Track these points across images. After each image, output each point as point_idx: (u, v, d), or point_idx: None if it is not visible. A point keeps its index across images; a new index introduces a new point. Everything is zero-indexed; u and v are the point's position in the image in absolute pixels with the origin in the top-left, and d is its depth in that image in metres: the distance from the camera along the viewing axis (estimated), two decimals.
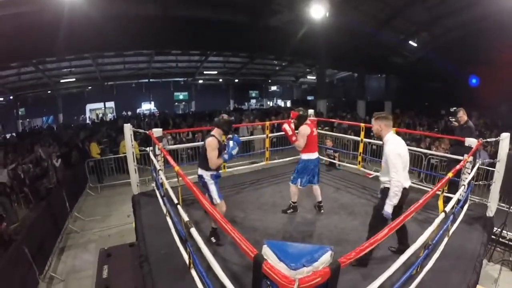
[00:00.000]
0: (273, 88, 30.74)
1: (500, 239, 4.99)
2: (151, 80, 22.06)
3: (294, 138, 4.32)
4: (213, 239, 3.67)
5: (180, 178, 3.01)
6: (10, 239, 5.72)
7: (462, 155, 4.32)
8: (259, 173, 6.59)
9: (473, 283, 2.99)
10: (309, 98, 27.39)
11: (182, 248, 3.15)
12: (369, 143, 7.77)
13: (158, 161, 4.79)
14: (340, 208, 4.79)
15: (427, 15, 13.55)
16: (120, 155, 10.00)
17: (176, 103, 26.20)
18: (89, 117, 22.66)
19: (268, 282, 1.52)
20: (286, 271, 1.56)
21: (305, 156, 4.36)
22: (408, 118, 15.74)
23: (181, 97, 25.78)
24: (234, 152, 3.70)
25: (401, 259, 2.19)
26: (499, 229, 4.88)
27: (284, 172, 6.31)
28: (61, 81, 18.60)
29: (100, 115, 22.63)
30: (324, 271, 1.47)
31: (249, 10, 12.80)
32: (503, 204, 5.38)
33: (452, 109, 6.49)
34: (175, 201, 3.07)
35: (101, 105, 22.79)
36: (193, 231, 2.45)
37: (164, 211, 3.88)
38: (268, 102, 29.92)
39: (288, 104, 28.03)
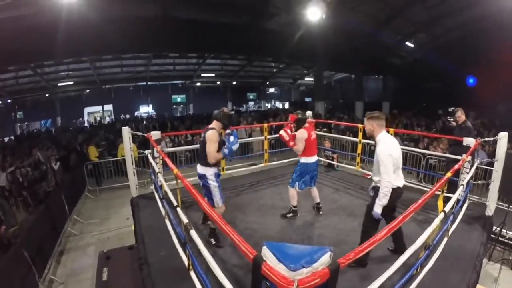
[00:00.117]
0: (271, 90, 30.83)
1: (500, 238, 4.99)
2: (149, 83, 22.06)
3: (291, 143, 4.32)
4: (212, 241, 3.65)
5: (179, 181, 3.01)
6: (9, 242, 5.70)
7: (461, 155, 4.33)
8: (258, 175, 6.59)
9: (473, 283, 2.99)
10: (307, 99, 27.46)
11: (182, 250, 3.14)
12: (368, 144, 7.80)
13: (156, 163, 4.79)
14: (339, 209, 4.80)
15: (427, 15, 13.59)
16: (118, 158, 10.01)
17: (174, 106, 26.19)
18: (87, 120, 22.64)
19: (268, 283, 1.52)
20: (285, 272, 1.56)
21: (303, 160, 4.36)
22: (406, 118, 15.77)
23: (179, 99, 25.79)
24: (235, 147, 3.61)
25: (400, 260, 2.19)
26: (498, 228, 4.89)
27: (283, 174, 6.33)
28: (59, 84, 18.53)
29: (98, 118, 22.60)
30: (323, 272, 1.47)
31: (247, 12, 12.83)
32: (502, 203, 5.38)
33: (450, 109, 6.52)
34: (174, 203, 3.08)
35: (99, 108, 22.78)
36: (193, 233, 2.46)
37: (163, 213, 3.87)
38: (266, 104, 29.93)
39: (286, 106, 28.07)
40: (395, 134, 5.65)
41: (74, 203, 8.31)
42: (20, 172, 8.83)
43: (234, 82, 25.31)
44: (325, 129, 11.04)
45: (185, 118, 19.77)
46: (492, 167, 4.37)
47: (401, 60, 17.97)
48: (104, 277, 4.00)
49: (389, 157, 2.98)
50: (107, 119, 22.72)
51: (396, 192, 3.08)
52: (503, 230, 4.96)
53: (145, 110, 24.56)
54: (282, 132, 4.37)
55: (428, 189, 3.19)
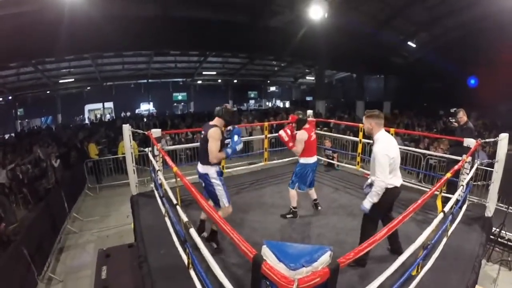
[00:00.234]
0: (272, 88, 30.81)
1: (499, 239, 5.01)
2: (150, 80, 22.05)
3: (291, 144, 4.30)
4: (214, 245, 3.52)
5: (179, 179, 3.00)
6: (8, 239, 5.72)
7: (461, 156, 4.32)
8: (258, 174, 6.58)
9: (472, 283, 2.99)
10: (308, 98, 27.42)
11: (181, 248, 3.14)
12: (368, 143, 7.79)
13: (156, 161, 4.79)
14: (339, 209, 4.79)
15: (427, 15, 13.59)
16: (119, 156, 10.01)
17: (175, 104, 26.21)
18: (88, 118, 22.64)
19: (268, 283, 1.52)
20: (285, 271, 1.56)
21: (302, 160, 4.35)
22: (407, 118, 15.77)
23: (180, 97, 25.78)
24: (239, 147, 3.45)
25: (399, 260, 2.19)
26: (497, 229, 4.90)
27: (283, 173, 6.33)
28: (60, 81, 18.55)
29: (99, 116, 22.61)
30: (323, 271, 1.47)
31: (249, 10, 12.83)
32: (502, 204, 5.39)
33: (452, 110, 6.50)
34: (174, 201, 3.07)
35: (99, 105, 22.80)
36: (192, 231, 2.45)
37: (163, 211, 3.87)
38: (267, 103, 29.96)
39: (287, 104, 28.06)
40: (396, 134, 5.65)
41: (74, 200, 8.31)
42: (20, 169, 8.83)
43: (235, 81, 25.30)
44: (325, 129, 11.03)
45: (186, 116, 19.76)
46: (492, 168, 4.36)
47: (403, 60, 17.95)
48: (104, 275, 4.02)
49: (385, 156, 2.94)
50: (108, 116, 22.75)
51: (393, 192, 3.07)
52: (502, 231, 4.97)
53: (146, 107, 24.57)
54: (281, 132, 4.35)
55: (428, 190, 3.19)
